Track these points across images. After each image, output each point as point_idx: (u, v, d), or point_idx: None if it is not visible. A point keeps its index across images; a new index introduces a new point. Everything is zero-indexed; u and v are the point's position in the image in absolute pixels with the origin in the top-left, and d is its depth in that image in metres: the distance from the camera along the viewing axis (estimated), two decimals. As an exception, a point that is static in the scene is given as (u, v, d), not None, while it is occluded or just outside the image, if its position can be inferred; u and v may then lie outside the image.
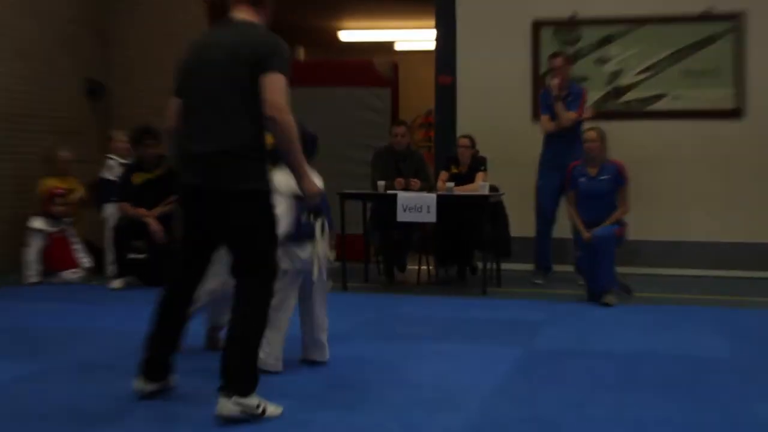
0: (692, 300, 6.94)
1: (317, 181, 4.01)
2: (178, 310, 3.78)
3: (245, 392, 3.46)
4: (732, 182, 8.49)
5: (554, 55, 7.95)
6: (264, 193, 3.62)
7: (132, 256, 7.52)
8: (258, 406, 3.49)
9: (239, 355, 3.49)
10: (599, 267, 6.54)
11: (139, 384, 3.78)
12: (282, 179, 4.08)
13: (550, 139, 7.82)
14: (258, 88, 3.48)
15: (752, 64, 8.51)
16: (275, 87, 3.47)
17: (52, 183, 8.19)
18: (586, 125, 7.40)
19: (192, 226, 3.71)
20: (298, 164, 3.59)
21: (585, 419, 3.59)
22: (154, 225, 7.41)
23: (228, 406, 3.44)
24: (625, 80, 8.89)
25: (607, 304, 6.47)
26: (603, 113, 8.42)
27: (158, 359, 3.78)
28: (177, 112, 3.71)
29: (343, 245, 7.46)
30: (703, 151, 8.57)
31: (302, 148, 4.17)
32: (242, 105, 3.53)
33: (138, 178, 7.61)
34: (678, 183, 8.58)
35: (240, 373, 3.49)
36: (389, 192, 7.37)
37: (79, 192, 8.31)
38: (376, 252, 8.37)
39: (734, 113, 8.51)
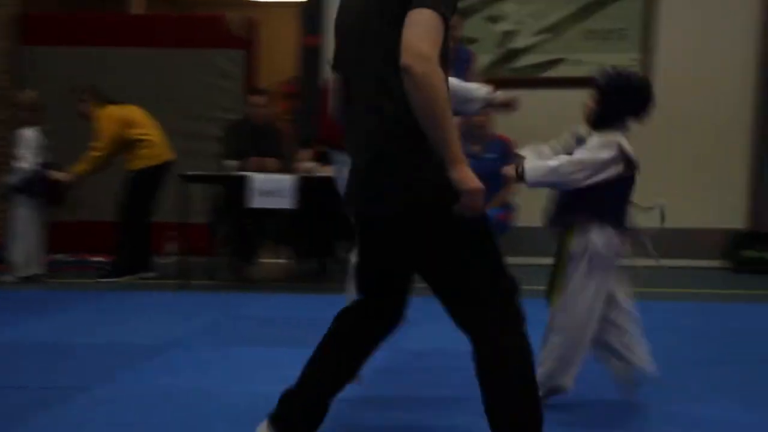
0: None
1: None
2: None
3: None
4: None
5: None
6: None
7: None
8: None
9: None
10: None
11: None
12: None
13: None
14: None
15: (663, 24, 9.04)
16: (419, 26, 2.82)
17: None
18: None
19: None
20: (446, 141, 2.83)
21: (455, 423, 3.90)
22: None
23: None
24: (519, 42, 9.23)
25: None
26: (493, 81, 8.73)
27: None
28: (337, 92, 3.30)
29: (183, 236, 7.60)
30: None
31: (628, 103, 4.04)
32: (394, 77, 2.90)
33: None
34: (576, 161, 9.02)
35: None
36: (241, 173, 7.52)
37: None
38: (224, 244, 8.50)
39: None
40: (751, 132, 9.11)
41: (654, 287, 7.65)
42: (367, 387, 4.26)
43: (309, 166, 7.62)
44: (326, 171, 7.67)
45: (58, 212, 8.14)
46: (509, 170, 3.98)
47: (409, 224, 2.97)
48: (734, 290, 7.85)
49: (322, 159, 7.87)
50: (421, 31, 2.79)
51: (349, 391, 3.89)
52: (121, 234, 8.07)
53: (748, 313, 6.63)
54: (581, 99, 9.06)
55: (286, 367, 4.87)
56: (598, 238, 3.98)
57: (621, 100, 4.08)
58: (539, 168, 3.92)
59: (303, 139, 8.41)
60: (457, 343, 5.40)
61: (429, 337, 5.71)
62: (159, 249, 8.73)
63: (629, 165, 4.02)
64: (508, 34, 9.24)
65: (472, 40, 9.03)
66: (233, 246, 8.33)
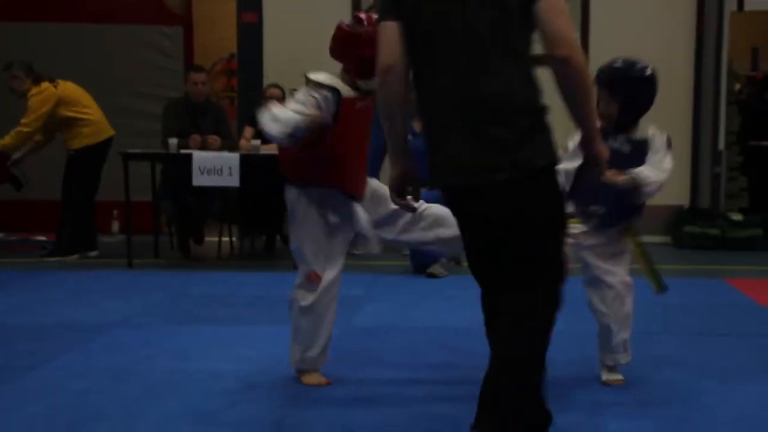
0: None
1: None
2: None
3: None
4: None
5: None
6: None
7: None
8: None
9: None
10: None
11: None
12: None
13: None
14: (526, 19, 2.90)
15: (598, 2, 9.17)
16: (563, 15, 2.88)
17: None
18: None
19: None
20: (592, 121, 3.00)
21: (404, 401, 3.93)
22: None
23: None
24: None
25: (433, 275, 6.93)
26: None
27: None
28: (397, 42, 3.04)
29: (127, 215, 7.54)
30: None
31: (645, 95, 4.05)
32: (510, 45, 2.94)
33: None
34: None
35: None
36: (183, 151, 7.45)
37: None
38: (168, 222, 8.47)
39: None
40: (691, 111, 9.27)
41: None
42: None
43: (253, 143, 7.58)
44: (270, 148, 7.67)
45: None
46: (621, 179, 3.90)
47: (525, 191, 2.94)
48: (676, 265, 8.00)
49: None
50: (566, 20, 2.86)
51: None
52: (64, 213, 7.95)
53: (688, 287, 6.77)
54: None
55: (234, 345, 4.91)
56: None
57: (639, 94, 4.08)
58: (653, 183, 3.99)
59: (246, 117, 8.36)
60: (408, 320, 5.54)
61: (378, 314, 5.77)
62: (103, 228, 8.64)
63: None
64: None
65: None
66: (178, 224, 8.27)
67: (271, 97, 8.03)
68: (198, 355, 4.71)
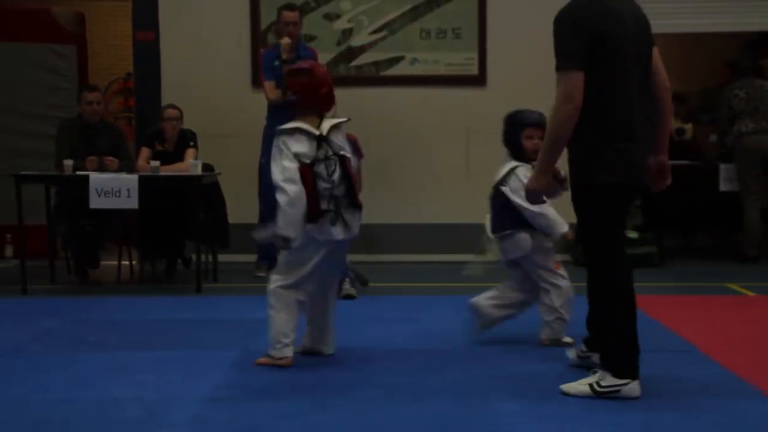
0: (432, 288, 7.54)
1: None
2: None
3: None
4: (473, 158, 9.14)
5: (289, 8, 8.11)
6: None
7: None
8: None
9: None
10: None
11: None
12: None
13: (275, 110, 8.07)
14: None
15: (492, 23, 9.22)
16: None
17: None
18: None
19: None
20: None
21: (305, 427, 3.88)
22: None
23: None
24: (357, 40, 9.30)
25: (349, 296, 6.90)
26: (333, 78, 8.72)
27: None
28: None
29: (21, 239, 7.33)
30: (443, 123, 9.20)
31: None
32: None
33: None
34: (414, 159, 9.19)
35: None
36: (79, 173, 7.32)
37: None
38: (64, 246, 8.27)
39: (478, 80, 9.20)
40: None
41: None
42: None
43: (152, 164, 7.46)
44: (171, 169, 7.58)
45: None
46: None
47: None
48: (575, 282, 8.08)
49: (163, 157, 7.75)
50: None
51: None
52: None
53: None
54: (419, 97, 9.22)
55: (134, 371, 4.81)
56: None
57: None
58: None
59: (144, 137, 8.24)
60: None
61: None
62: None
63: None
64: (346, 32, 9.30)
65: (311, 38, 9.04)
66: (74, 248, 8.08)
67: (170, 118, 7.95)
68: (95, 382, 4.60)
